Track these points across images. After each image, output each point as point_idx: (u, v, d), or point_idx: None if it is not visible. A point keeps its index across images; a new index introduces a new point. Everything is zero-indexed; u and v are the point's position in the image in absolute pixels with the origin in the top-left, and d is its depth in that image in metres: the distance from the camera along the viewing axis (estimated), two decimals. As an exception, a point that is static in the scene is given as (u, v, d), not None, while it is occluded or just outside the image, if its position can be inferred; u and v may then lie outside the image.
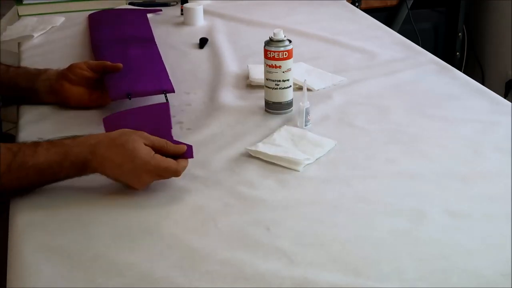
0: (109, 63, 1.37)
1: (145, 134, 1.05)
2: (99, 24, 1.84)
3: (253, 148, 1.16)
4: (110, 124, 1.17)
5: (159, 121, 1.21)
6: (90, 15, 1.95)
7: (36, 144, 1.03)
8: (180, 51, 1.71)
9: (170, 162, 1.03)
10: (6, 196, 1.04)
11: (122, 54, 1.52)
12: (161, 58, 1.53)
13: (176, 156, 1.05)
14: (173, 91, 1.32)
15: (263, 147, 1.16)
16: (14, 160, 1.00)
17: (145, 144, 1.02)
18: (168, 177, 1.05)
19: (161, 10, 2.03)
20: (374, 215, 0.98)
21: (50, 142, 1.03)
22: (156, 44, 1.64)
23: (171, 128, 1.20)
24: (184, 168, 1.05)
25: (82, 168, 1.02)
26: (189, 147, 1.07)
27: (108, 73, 1.36)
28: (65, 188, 1.06)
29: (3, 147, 1.00)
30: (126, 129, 1.06)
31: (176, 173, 1.04)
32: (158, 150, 1.03)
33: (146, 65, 1.50)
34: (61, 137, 1.05)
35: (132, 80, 1.36)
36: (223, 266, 0.87)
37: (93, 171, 1.03)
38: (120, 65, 1.36)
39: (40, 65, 1.42)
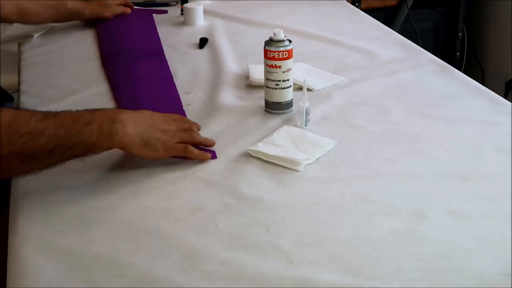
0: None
1: None
2: (108, 30, 1.83)
3: (253, 148, 1.16)
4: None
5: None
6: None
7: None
8: (180, 51, 1.71)
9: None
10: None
11: (131, 71, 1.53)
12: (170, 71, 1.54)
13: None
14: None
15: (263, 147, 1.16)
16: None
17: None
18: (189, 129, 1.15)
19: (166, 12, 2.03)
20: (374, 215, 0.98)
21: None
22: (165, 57, 1.63)
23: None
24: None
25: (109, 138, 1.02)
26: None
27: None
28: (65, 188, 1.06)
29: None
30: None
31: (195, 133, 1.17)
32: None
33: (157, 79, 1.51)
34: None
35: (142, 99, 1.37)
36: (223, 266, 0.87)
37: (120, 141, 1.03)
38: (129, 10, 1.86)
39: (40, 65, 1.42)
